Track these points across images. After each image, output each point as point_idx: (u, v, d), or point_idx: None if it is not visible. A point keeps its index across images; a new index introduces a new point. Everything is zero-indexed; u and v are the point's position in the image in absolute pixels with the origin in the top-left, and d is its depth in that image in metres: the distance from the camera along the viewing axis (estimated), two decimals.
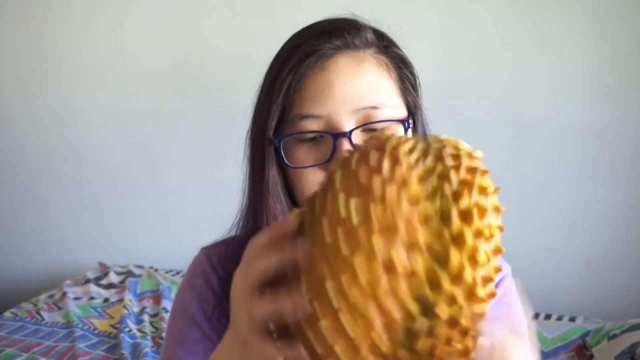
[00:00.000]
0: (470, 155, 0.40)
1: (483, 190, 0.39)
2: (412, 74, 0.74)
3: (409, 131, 0.70)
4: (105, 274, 2.25)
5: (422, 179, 0.38)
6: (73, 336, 1.82)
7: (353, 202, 0.36)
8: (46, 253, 2.54)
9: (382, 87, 0.69)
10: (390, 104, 0.69)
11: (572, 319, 1.85)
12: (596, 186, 2.00)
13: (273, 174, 0.70)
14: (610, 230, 2.00)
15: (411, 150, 0.39)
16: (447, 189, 0.38)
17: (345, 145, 0.65)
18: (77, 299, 2.09)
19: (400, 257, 0.36)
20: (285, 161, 0.69)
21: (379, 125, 0.68)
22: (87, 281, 2.20)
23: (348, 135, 0.66)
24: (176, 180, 2.38)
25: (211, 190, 2.35)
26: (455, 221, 0.37)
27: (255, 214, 0.73)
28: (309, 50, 0.69)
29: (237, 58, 2.24)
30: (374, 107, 0.67)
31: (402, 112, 0.71)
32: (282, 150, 0.69)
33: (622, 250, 1.99)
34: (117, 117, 2.41)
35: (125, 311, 1.97)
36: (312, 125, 0.67)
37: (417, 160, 0.39)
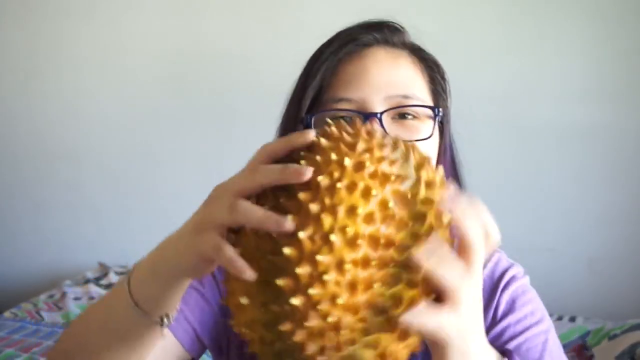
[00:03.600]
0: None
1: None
2: (444, 78, 0.77)
3: (436, 122, 0.71)
4: (105, 274, 2.25)
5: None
6: None
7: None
8: (46, 253, 2.54)
9: (415, 81, 0.72)
10: (421, 98, 0.70)
11: (572, 319, 1.85)
12: (596, 186, 2.00)
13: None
14: (610, 230, 2.00)
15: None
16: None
17: (375, 127, 0.66)
18: (77, 299, 2.09)
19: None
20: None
21: (410, 110, 0.69)
22: (87, 281, 2.20)
23: (379, 116, 0.67)
24: (176, 180, 2.38)
25: (211, 189, 2.35)
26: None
27: None
28: (349, 38, 0.73)
29: (238, 58, 2.24)
30: (406, 96, 0.69)
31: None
32: (312, 128, 0.69)
33: (622, 250, 1.99)
34: (117, 117, 2.41)
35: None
36: (345, 107, 0.69)
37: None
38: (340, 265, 0.38)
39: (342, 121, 0.47)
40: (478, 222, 0.45)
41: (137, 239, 2.48)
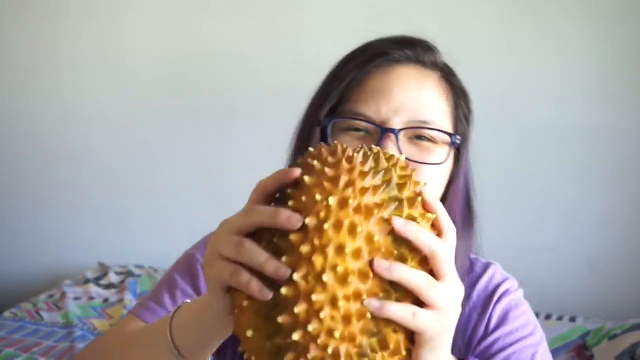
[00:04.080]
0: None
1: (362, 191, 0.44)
2: (468, 107, 0.77)
3: (453, 149, 0.71)
4: (105, 274, 2.25)
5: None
6: (73, 336, 1.82)
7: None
8: (46, 253, 2.54)
9: (437, 106, 0.71)
10: (440, 123, 0.70)
11: (573, 319, 1.85)
12: (596, 186, 2.00)
13: None
14: (610, 230, 2.00)
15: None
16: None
17: (390, 143, 0.67)
18: (76, 299, 2.09)
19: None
20: (330, 142, 0.70)
21: (427, 133, 0.69)
22: (87, 281, 2.20)
23: (396, 132, 0.67)
24: (176, 180, 2.38)
25: (211, 189, 2.35)
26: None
27: None
28: (380, 51, 0.72)
29: (238, 58, 2.24)
30: (425, 122, 0.69)
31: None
32: (329, 133, 0.71)
33: (622, 250, 1.99)
34: (118, 117, 2.41)
35: (125, 311, 1.97)
36: (363, 122, 0.69)
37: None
38: (334, 302, 0.41)
39: (324, 148, 0.48)
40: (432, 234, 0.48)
41: (137, 239, 2.49)
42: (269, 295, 0.43)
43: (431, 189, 0.63)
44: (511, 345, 0.72)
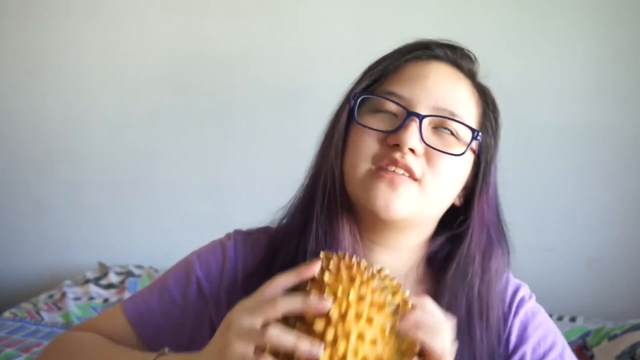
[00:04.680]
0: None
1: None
2: (496, 120, 0.79)
3: (474, 144, 0.73)
4: (105, 274, 2.25)
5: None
6: None
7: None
8: (46, 253, 2.54)
9: (467, 106, 0.73)
10: (467, 121, 0.71)
11: (573, 319, 1.85)
12: (596, 186, 2.00)
13: (340, 129, 0.73)
14: (610, 230, 2.00)
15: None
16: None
17: (413, 126, 0.67)
18: (76, 299, 2.09)
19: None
20: (355, 116, 0.71)
21: (451, 125, 0.70)
22: (87, 281, 2.20)
23: (421, 117, 0.68)
24: (176, 180, 2.38)
25: (211, 190, 2.35)
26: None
27: (318, 170, 0.76)
28: (422, 45, 0.75)
29: (237, 58, 2.24)
30: (453, 114, 0.70)
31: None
32: (356, 109, 0.72)
33: (622, 250, 1.99)
34: (117, 116, 2.41)
35: None
36: (393, 102, 0.70)
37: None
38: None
39: (334, 256, 0.56)
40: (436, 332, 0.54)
41: (137, 239, 2.48)
42: None
43: (447, 182, 0.68)
44: (545, 355, 0.73)
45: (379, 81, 0.73)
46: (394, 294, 0.54)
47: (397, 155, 0.67)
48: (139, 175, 2.42)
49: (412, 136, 0.66)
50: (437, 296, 0.72)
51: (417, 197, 0.68)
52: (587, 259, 2.02)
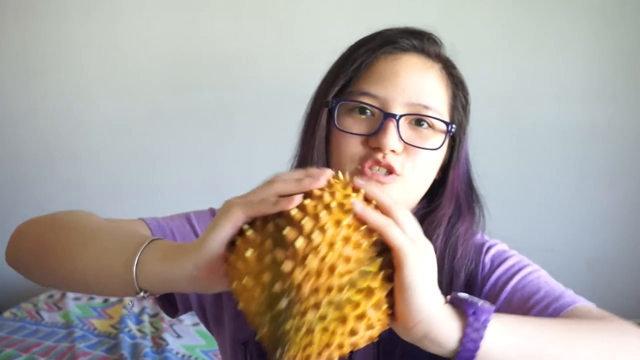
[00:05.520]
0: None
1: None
2: (466, 98, 0.82)
3: (448, 137, 0.76)
4: None
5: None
6: (73, 336, 1.82)
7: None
8: None
9: (437, 94, 0.76)
10: (440, 111, 0.75)
11: None
12: (596, 186, 2.00)
13: (321, 133, 0.77)
14: (610, 230, 2.00)
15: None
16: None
17: (392, 127, 0.72)
18: (76, 299, 2.09)
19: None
20: (336, 122, 0.75)
21: (426, 119, 0.74)
22: None
23: (397, 118, 0.72)
24: (176, 179, 2.38)
25: (211, 189, 2.35)
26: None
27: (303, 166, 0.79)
28: (389, 39, 0.77)
29: (237, 58, 2.24)
30: (426, 107, 0.74)
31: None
32: (335, 113, 0.75)
33: (622, 251, 1.99)
34: (117, 117, 2.41)
35: (125, 311, 1.97)
36: (368, 102, 0.74)
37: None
38: (337, 224, 0.49)
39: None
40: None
41: None
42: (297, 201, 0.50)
43: (426, 171, 0.73)
44: (514, 275, 0.77)
45: (352, 80, 0.76)
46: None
47: (380, 156, 0.72)
48: (139, 175, 2.42)
49: (391, 138, 0.71)
50: None
51: (401, 191, 0.74)
52: (587, 259, 2.02)
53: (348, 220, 0.50)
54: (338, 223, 0.49)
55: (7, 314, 2.00)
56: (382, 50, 0.76)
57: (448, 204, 0.80)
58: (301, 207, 0.50)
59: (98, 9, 2.37)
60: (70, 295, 2.10)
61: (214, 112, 2.31)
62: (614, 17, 1.93)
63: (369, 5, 2.04)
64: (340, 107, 0.76)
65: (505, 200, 2.04)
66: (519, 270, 0.78)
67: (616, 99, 1.96)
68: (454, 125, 0.76)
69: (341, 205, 0.51)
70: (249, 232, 0.51)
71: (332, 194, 0.51)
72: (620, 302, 1.97)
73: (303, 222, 0.49)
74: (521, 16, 2.00)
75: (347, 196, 0.52)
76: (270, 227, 0.50)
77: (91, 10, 2.37)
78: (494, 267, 0.79)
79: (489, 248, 0.82)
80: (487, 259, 0.80)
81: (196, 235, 0.83)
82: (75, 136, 2.46)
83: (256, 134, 2.20)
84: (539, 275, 0.79)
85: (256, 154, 2.22)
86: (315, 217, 0.49)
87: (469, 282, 0.78)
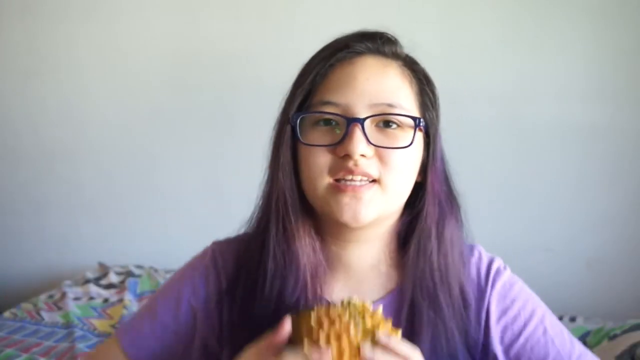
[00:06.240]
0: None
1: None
2: (433, 92, 0.78)
3: (418, 132, 0.73)
4: (105, 274, 2.25)
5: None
6: (73, 336, 1.82)
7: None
8: (46, 253, 2.54)
9: (402, 92, 0.73)
10: (406, 108, 0.72)
11: (573, 319, 1.85)
12: (596, 186, 2.00)
13: (285, 151, 0.75)
14: (610, 230, 2.00)
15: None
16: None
17: (357, 132, 0.69)
18: (76, 299, 2.09)
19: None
20: (299, 137, 0.73)
21: (393, 119, 0.71)
22: (87, 281, 2.20)
23: (361, 121, 0.69)
24: (176, 180, 2.38)
25: (211, 189, 2.35)
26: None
27: (269, 192, 0.78)
28: (341, 45, 0.75)
29: (237, 58, 2.23)
30: (390, 105, 0.71)
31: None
32: (298, 128, 0.73)
33: (622, 250, 1.99)
34: (117, 117, 2.41)
35: (125, 311, 1.97)
36: (330, 111, 0.71)
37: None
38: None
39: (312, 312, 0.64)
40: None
41: (137, 239, 2.48)
42: None
43: (403, 172, 0.70)
44: (520, 333, 0.76)
45: (311, 93, 0.74)
46: (363, 317, 0.63)
47: (351, 164, 0.69)
48: (139, 175, 2.42)
49: (358, 143, 0.68)
50: (404, 276, 0.77)
51: (381, 197, 0.71)
52: (587, 259, 2.02)
53: None
54: None
55: (7, 314, 2.00)
56: (336, 57, 0.74)
57: (432, 207, 0.77)
58: None
59: (98, 9, 2.36)
60: (70, 295, 2.10)
61: (214, 112, 2.30)
62: (614, 17, 1.93)
63: (369, 5, 2.03)
64: (304, 122, 0.74)
65: (505, 200, 2.04)
66: (526, 324, 0.77)
67: (616, 99, 1.95)
68: (422, 120, 0.73)
69: None
70: None
71: None
72: (620, 302, 1.97)
73: None
74: (521, 16, 2.00)
75: None
76: None
77: (91, 10, 2.37)
78: (501, 311, 0.78)
79: (496, 277, 0.80)
80: (496, 294, 0.79)
81: (178, 309, 0.81)
82: (74, 136, 2.46)
83: (256, 134, 2.19)
84: (544, 330, 0.77)
85: (256, 153, 2.22)
86: None
87: (461, 289, 0.77)
